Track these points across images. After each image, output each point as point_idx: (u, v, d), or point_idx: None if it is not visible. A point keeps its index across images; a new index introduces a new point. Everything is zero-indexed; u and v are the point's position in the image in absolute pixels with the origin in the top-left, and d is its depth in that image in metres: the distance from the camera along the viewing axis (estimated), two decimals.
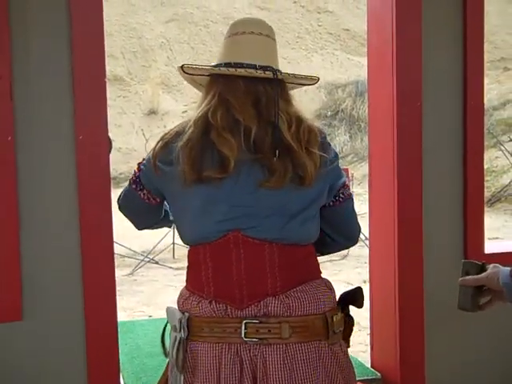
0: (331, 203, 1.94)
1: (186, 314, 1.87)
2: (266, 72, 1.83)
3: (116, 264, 7.85)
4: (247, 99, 1.83)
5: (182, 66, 1.89)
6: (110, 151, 2.41)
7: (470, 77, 2.69)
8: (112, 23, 16.57)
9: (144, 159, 1.96)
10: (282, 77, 1.85)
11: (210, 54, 16.59)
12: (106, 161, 2.38)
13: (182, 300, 1.92)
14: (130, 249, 8.57)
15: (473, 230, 2.77)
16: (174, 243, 8.55)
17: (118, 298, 2.49)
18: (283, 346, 1.79)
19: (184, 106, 15.81)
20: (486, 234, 2.83)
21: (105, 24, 2.39)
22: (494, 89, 15.09)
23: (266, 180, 1.78)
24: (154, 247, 8.49)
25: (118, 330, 2.47)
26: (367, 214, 2.93)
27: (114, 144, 2.53)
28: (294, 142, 1.79)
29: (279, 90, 1.84)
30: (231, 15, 18.03)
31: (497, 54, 17.25)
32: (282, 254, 1.83)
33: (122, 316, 5.80)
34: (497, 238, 9.14)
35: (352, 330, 1.97)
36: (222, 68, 1.86)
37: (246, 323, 1.79)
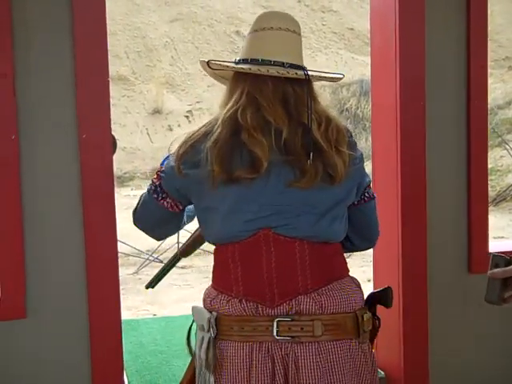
0: (356, 202, 1.93)
1: (214, 314, 1.85)
2: (298, 72, 1.80)
3: (121, 263, 7.84)
4: (276, 99, 1.80)
5: (207, 62, 1.85)
6: (114, 151, 2.41)
7: (474, 76, 2.69)
8: (116, 22, 16.57)
9: (162, 167, 1.92)
10: (312, 78, 1.83)
11: (214, 54, 16.59)
12: (110, 159, 2.39)
13: (210, 299, 1.89)
14: (134, 248, 8.57)
15: (477, 229, 2.77)
16: (178, 242, 8.54)
17: (122, 296, 2.50)
18: (315, 344, 1.77)
19: (188, 105, 15.82)
20: (491, 233, 2.82)
21: (109, 23, 2.40)
22: (498, 88, 15.05)
23: (297, 181, 1.77)
24: (158, 246, 8.49)
25: (122, 328, 2.48)
26: None
27: (118, 143, 2.53)
28: (324, 142, 1.78)
29: (307, 89, 1.82)
30: (235, 15, 18.03)
31: (501, 53, 17.21)
32: (312, 252, 1.82)
33: (126, 315, 5.80)
34: (502, 237, 9.12)
35: (377, 332, 1.95)
36: (252, 67, 1.81)
37: (278, 321, 1.77)
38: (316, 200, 1.81)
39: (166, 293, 6.99)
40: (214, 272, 1.93)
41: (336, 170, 1.78)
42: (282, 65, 1.82)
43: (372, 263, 2.99)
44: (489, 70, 2.76)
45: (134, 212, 2.03)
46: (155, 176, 1.94)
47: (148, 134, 15.30)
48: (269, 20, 1.88)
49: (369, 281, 2.99)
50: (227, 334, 1.83)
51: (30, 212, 2.33)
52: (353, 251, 2.10)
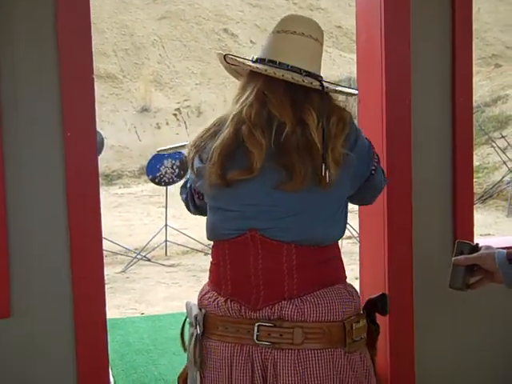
0: (367, 178, 1.91)
1: (203, 311, 1.86)
2: (314, 83, 1.79)
3: (108, 261, 7.77)
4: (286, 99, 1.79)
5: (224, 56, 1.86)
6: (102, 149, 2.40)
7: (459, 73, 2.69)
8: (104, 20, 16.50)
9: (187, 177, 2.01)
10: (327, 90, 1.81)
11: (202, 51, 16.55)
12: (95, 157, 2.38)
13: (201, 295, 1.92)
14: (122, 246, 8.55)
15: (462, 227, 2.77)
16: (166, 240, 8.54)
17: (110, 295, 2.50)
18: (295, 352, 1.76)
19: (176, 103, 15.78)
20: (478, 231, 2.83)
21: (96, 21, 2.40)
22: (485, 85, 15.10)
23: (283, 182, 1.75)
24: (146, 244, 8.47)
25: (109, 327, 2.47)
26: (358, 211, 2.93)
27: (106, 141, 2.53)
28: (319, 142, 1.75)
29: (317, 97, 1.81)
30: (223, 12, 18.00)
31: (488, 51, 17.27)
32: (300, 256, 1.79)
33: (114, 313, 5.78)
34: (489, 235, 9.15)
35: (377, 337, 1.92)
36: (268, 69, 1.80)
37: (258, 326, 1.77)
38: (305, 203, 1.79)
39: (153, 291, 6.98)
40: (210, 268, 1.94)
41: (325, 174, 1.74)
42: (299, 71, 1.81)
43: (359, 262, 3.00)
44: (476, 68, 2.77)
45: (192, 211, 2.09)
46: (188, 185, 2.03)
47: (136, 132, 15.26)
48: (293, 23, 1.86)
49: (356, 279, 2.99)
50: (213, 332, 1.84)
51: (14, 210, 2.31)
52: (365, 203, 2.10)
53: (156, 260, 8.44)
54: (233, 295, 1.83)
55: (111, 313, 5.60)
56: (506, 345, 2.87)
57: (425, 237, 2.73)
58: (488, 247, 1.86)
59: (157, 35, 17.33)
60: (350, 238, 8.13)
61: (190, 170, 1.93)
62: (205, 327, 1.85)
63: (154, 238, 8.57)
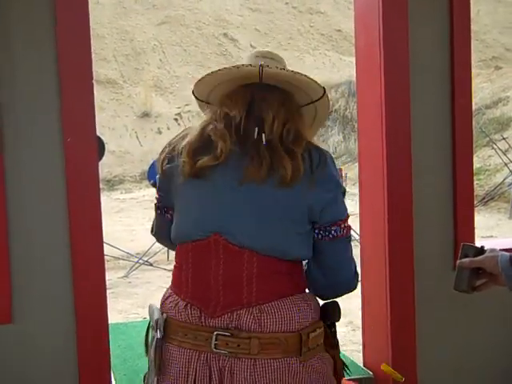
0: (320, 236, 1.86)
1: (164, 315, 1.88)
2: (253, 65, 1.85)
3: (111, 266, 7.77)
4: (241, 97, 1.87)
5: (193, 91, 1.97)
6: (103, 154, 2.42)
7: (458, 75, 2.70)
8: (104, 26, 16.53)
9: (154, 182, 2.01)
10: (268, 69, 1.84)
11: (202, 56, 16.57)
12: (95, 163, 2.38)
13: (163, 299, 1.93)
14: (124, 251, 8.56)
15: (463, 229, 2.77)
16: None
17: (112, 300, 2.50)
18: (252, 361, 1.77)
19: (177, 108, 15.80)
20: (480, 233, 2.84)
21: (97, 27, 2.42)
22: (486, 87, 15.11)
23: (247, 172, 1.78)
24: (148, 249, 8.48)
25: (111, 331, 2.47)
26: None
27: (107, 147, 2.54)
28: (274, 137, 1.81)
29: (276, 94, 1.86)
30: (223, 17, 18.03)
31: (488, 53, 17.29)
32: (261, 266, 1.81)
33: (116, 318, 5.78)
34: (491, 237, 9.15)
35: (333, 340, 1.93)
36: (221, 68, 1.89)
37: (217, 335, 1.78)
38: (266, 203, 1.80)
39: (156, 296, 6.99)
40: (172, 271, 1.96)
41: (284, 170, 1.77)
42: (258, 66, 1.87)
43: (360, 265, 3.00)
44: (476, 70, 2.78)
45: (152, 233, 2.11)
46: (155, 195, 2.02)
47: (137, 137, 15.29)
48: (262, 52, 1.99)
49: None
50: (173, 337, 1.85)
51: (15, 216, 2.32)
52: (318, 289, 1.94)
53: (158, 265, 8.45)
54: (192, 299, 1.84)
55: (114, 318, 5.60)
56: (509, 345, 2.87)
57: (426, 239, 2.73)
58: (492, 250, 1.87)
59: (157, 40, 17.37)
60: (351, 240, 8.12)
61: (160, 174, 1.94)
62: (165, 332, 1.86)
63: (155, 242, 8.59)
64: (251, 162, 1.79)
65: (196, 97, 1.99)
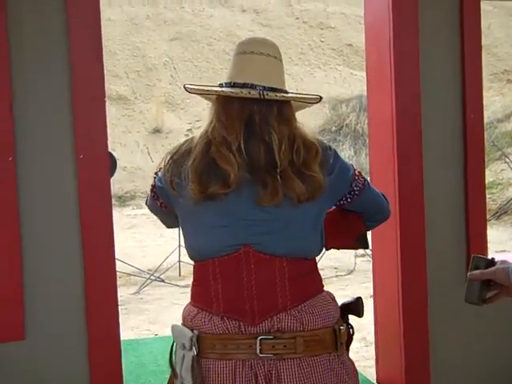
0: (349, 199, 1.95)
1: (196, 332, 1.87)
2: (252, 92, 1.84)
3: (122, 283, 7.73)
4: (238, 117, 1.85)
5: (184, 85, 1.94)
6: (115, 170, 2.42)
7: (469, 90, 2.70)
8: (115, 42, 16.62)
9: (160, 169, 1.98)
10: (268, 97, 1.84)
11: (213, 72, 16.63)
12: (107, 179, 2.39)
13: (191, 317, 1.91)
14: (135, 267, 8.55)
15: (476, 243, 2.77)
16: (179, 261, 8.53)
17: (124, 316, 2.50)
18: (297, 360, 1.81)
19: (188, 124, 15.84)
20: (493, 247, 2.83)
21: (108, 43, 2.43)
22: (498, 101, 15.06)
23: (262, 198, 1.81)
24: (159, 265, 8.47)
25: (123, 348, 2.47)
26: None
27: (119, 163, 2.55)
28: (284, 162, 1.81)
29: (274, 110, 1.86)
30: (234, 32, 18.10)
31: (500, 67, 17.24)
32: (291, 269, 1.85)
33: (128, 334, 5.77)
34: (504, 251, 9.09)
35: (352, 339, 1.98)
36: (212, 88, 1.89)
37: (261, 339, 1.80)
38: (287, 218, 1.83)
39: (167, 312, 6.97)
40: (193, 288, 1.95)
41: (293, 192, 1.80)
42: (252, 87, 1.86)
43: (372, 279, 2.99)
44: (488, 84, 2.78)
45: (146, 203, 2.12)
46: (154, 177, 2.02)
47: (148, 153, 15.32)
48: (248, 45, 1.93)
49: (371, 297, 2.98)
50: (209, 352, 1.85)
51: (28, 233, 2.33)
52: (373, 227, 2.15)
53: (170, 281, 8.44)
54: (226, 312, 1.84)
55: (125, 334, 5.59)
56: None
57: (438, 254, 2.73)
58: (503, 262, 1.86)
59: (168, 56, 17.45)
60: (363, 255, 8.11)
61: (169, 186, 1.92)
62: (199, 348, 1.85)
63: (167, 258, 8.58)
64: (264, 190, 1.80)
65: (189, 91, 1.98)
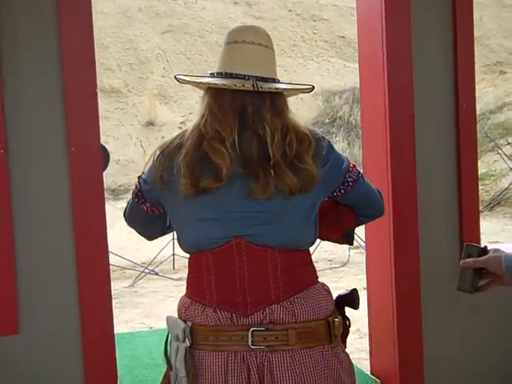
0: (342, 191, 1.94)
1: (189, 323, 1.88)
2: (246, 85, 1.82)
3: (116, 276, 7.73)
4: (231, 109, 1.84)
5: (175, 76, 1.93)
6: (108, 163, 2.41)
7: (462, 80, 2.70)
8: (108, 35, 16.55)
9: (143, 173, 1.97)
10: (262, 90, 1.83)
11: (206, 64, 16.59)
12: (100, 172, 2.39)
13: (184, 308, 1.92)
14: (130, 260, 8.54)
15: (469, 235, 2.77)
16: (173, 254, 8.53)
17: (118, 310, 2.50)
18: (289, 352, 1.81)
19: (181, 116, 15.81)
20: (487, 238, 2.84)
21: (100, 36, 2.42)
22: (490, 92, 15.08)
23: (253, 191, 1.80)
24: (153, 258, 8.46)
25: (117, 341, 2.47)
26: None
27: (112, 156, 2.55)
28: (276, 155, 1.80)
29: (267, 101, 1.85)
30: (226, 25, 18.05)
31: (492, 58, 17.25)
32: (283, 260, 1.84)
33: (122, 328, 5.76)
34: (497, 242, 9.11)
35: (348, 332, 1.99)
36: (204, 80, 1.88)
37: (253, 331, 1.80)
38: (279, 209, 1.83)
39: (162, 305, 6.97)
40: (188, 280, 1.95)
41: (285, 185, 1.79)
42: (243, 77, 1.84)
43: (366, 273, 2.99)
44: (480, 75, 2.78)
45: (124, 215, 2.10)
46: (137, 180, 2.00)
47: (142, 146, 15.29)
48: (239, 34, 1.91)
49: (365, 289, 2.98)
50: (202, 343, 1.86)
51: (20, 226, 2.32)
52: (365, 223, 2.16)
53: (164, 274, 8.44)
54: (219, 304, 1.85)
55: (120, 327, 5.58)
56: None
57: (431, 246, 2.73)
58: (496, 250, 1.86)
59: (161, 49, 17.40)
60: (357, 247, 8.12)
61: (157, 182, 1.91)
62: (193, 339, 1.86)
63: (161, 251, 8.57)
64: (256, 183, 1.80)
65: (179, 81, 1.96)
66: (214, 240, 1.85)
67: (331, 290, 1.98)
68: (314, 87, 1.94)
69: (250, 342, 1.80)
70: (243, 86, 1.82)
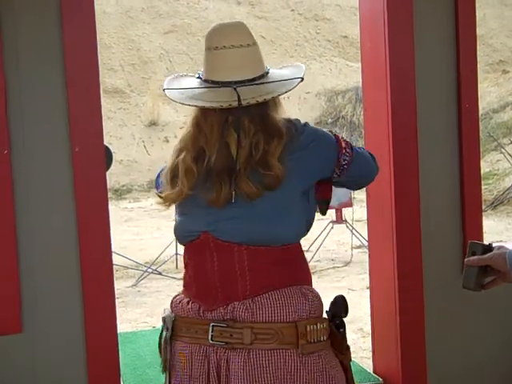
0: (338, 173, 1.93)
1: (173, 315, 1.93)
2: (232, 104, 1.80)
3: (119, 276, 7.76)
4: (217, 123, 1.85)
5: (164, 89, 2.00)
6: (111, 164, 2.42)
7: (464, 79, 2.70)
8: (110, 36, 16.56)
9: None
10: (246, 103, 1.80)
11: None
12: (103, 172, 2.39)
13: (172, 299, 2.00)
14: (133, 260, 8.56)
15: (472, 234, 2.77)
16: (176, 254, 8.54)
17: (122, 309, 2.51)
18: (246, 352, 1.79)
19: (184, 116, 15.79)
20: (490, 238, 2.83)
21: (103, 37, 2.43)
22: (493, 91, 15.06)
23: (210, 200, 1.83)
24: (156, 258, 8.48)
25: (120, 340, 2.48)
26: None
27: (114, 156, 2.56)
28: (241, 161, 1.81)
29: (251, 109, 1.83)
30: None
31: (495, 57, 17.24)
32: (252, 257, 1.83)
33: (126, 327, 5.78)
34: (500, 241, 9.10)
35: (342, 342, 1.91)
36: (192, 102, 1.88)
37: (213, 326, 1.82)
38: (243, 207, 1.82)
39: (165, 304, 6.99)
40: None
41: (244, 193, 1.80)
42: (229, 84, 1.83)
43: (368, 271, 2.99)
44: (483, 74, 2.79)
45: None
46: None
47: (144, 146, 15.31)
48: (219, 38, 1.87)
49: (367, 288, 2.98)
50: (179, 334, 1.90)
51: (23, 226, 2.32)
52: (358, 189, 2.26)
53: (167, 273, 8.44)
54: (196, 297, 1.89)
55: (123, 327, 5.59)
56: None
57: (434, 245, 2.73)
58: (500, 247, 1.86)
59: (163, 49, 17.41)
60: (359, 247, 8.13)
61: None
62: (173, 330, 1.91)
63: (164, 251, 8.58)
64: (217, 195, 1.82)
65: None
66: (187, 233, 1.91)
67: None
68: (303, 79, 1.90)
69: (209, 337, 1.81)
70: (230, 105, 1.81)
